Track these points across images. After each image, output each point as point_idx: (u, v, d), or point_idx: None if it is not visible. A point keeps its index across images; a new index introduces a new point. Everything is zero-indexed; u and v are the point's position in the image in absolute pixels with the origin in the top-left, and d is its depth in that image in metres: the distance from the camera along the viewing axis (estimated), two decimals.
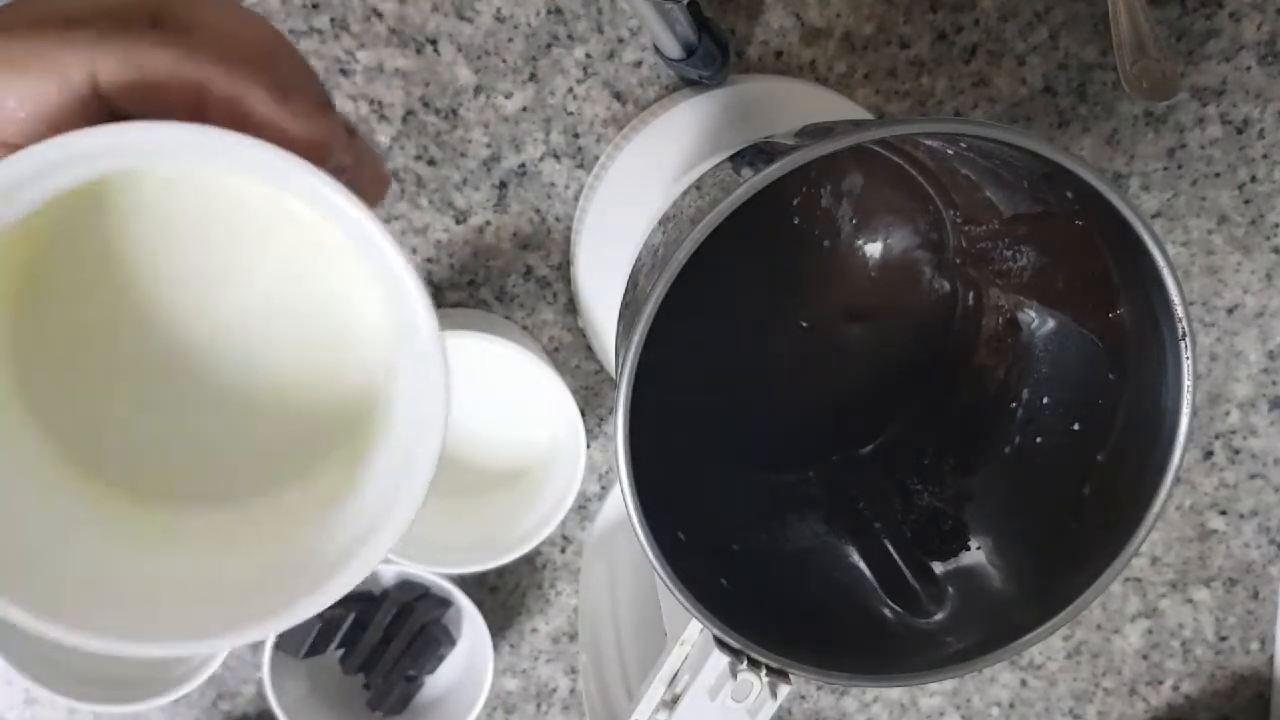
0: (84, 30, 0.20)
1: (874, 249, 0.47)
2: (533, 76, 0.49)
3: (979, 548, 0.41)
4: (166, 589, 0.24)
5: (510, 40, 0.48)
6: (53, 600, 0.22)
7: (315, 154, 0.21)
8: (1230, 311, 0.57)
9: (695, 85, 0.48)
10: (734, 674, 0.36)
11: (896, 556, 0.42)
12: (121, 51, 0.20)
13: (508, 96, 0.49)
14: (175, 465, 0.26)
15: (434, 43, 0.48)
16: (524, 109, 0.49)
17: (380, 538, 0.22)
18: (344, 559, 0.23)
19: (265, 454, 0.27)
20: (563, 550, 0.58)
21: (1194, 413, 0.35)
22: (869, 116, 0.50)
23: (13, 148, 0.20)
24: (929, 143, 0.42)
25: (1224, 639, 0.63)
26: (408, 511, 0.22)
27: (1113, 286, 0.37)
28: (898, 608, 0.40)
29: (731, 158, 0.38)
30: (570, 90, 0.49)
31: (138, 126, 0.20)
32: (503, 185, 0.50)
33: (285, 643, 0.52)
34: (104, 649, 0.22)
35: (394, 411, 0.25)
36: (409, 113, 0.49)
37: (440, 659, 0.56)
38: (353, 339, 0.26)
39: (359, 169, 0.25)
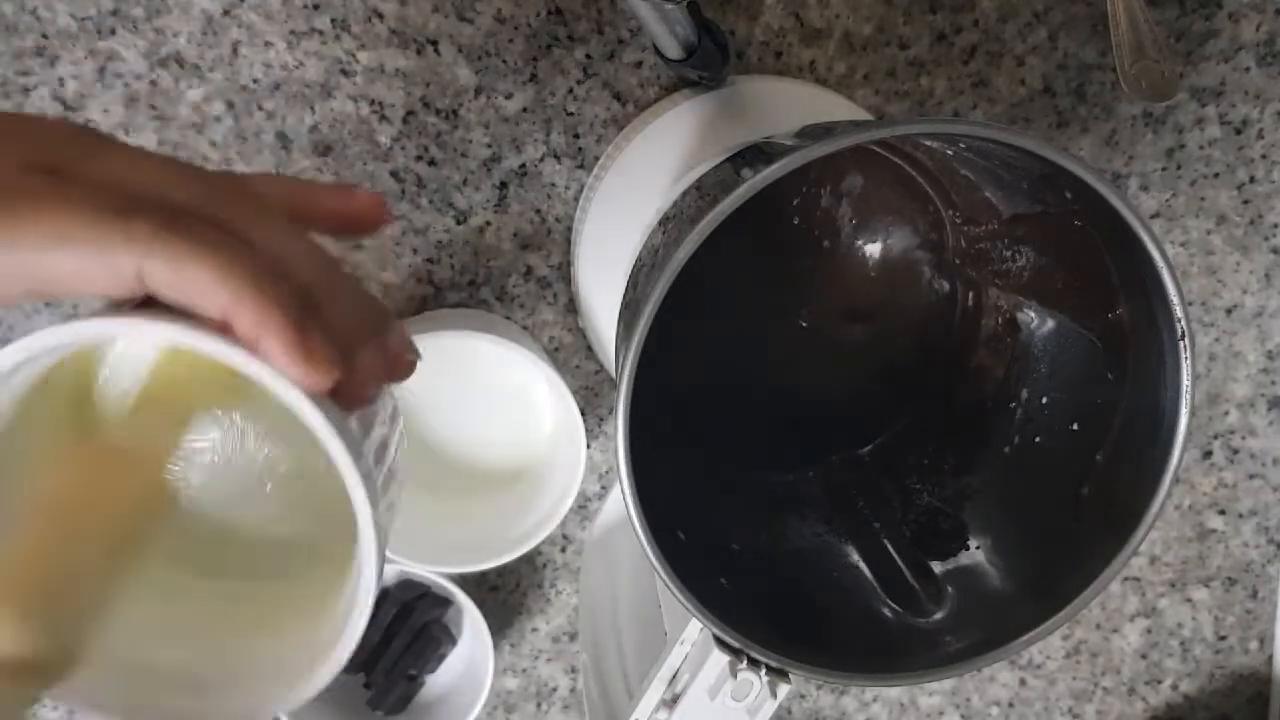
0: (142, 223, 0.22)
1: (874, 249, 0.47)
2: (533, 77, 0.49)
3: (979, 547, 0.41)
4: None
5: (511, 41, 0.48)
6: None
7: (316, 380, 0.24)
8: (1229, 312, 0.57)
9: (695, 86, 0.48)
10: (734, 673, 0.36)
11: (896, 556, 0.42)
12: (170, 259, 0.22)
13: (508, 97, 0.49)
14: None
15: (434, 43, 0.48)
16: (524, 109, 0.49)
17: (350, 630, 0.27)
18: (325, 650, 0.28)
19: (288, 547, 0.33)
20: (563, 550, 0.58)
21: (1193, 412, 0.35)
22: (869, 117, 0.50)
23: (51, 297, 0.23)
24: (929, 143, 0.42)
25: (1223, 638, 0.64)
26: (362, 615, 0.27)
27: (1112, 286, 0.37)
28: (898, 607, 0.41)
29: (731, 158, 0.38)
30: (570, 91, 0.49)
31: (139, 325, 0.23)
32: (503, 185, 0.50)
33: None
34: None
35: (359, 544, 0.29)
36: (409, 113, 0.49)
37: (441, 658, 0.56)
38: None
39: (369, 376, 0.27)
